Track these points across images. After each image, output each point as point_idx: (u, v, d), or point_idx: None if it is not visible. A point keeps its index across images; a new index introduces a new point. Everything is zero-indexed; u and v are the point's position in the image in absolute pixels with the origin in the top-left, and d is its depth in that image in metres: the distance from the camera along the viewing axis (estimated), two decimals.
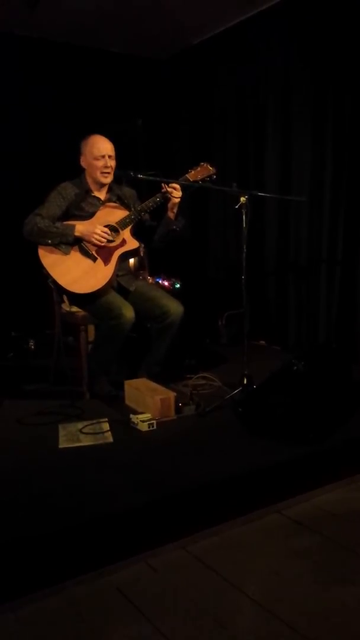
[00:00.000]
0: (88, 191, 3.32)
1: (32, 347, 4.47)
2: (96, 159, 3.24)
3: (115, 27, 4.56)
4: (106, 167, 3.25)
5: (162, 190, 3.18)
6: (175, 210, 3.26)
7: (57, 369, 3.56)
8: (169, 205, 3.24)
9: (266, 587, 1.88)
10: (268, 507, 2.35)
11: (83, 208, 3.28)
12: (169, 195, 3.19)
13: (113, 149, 3.28)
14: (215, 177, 3.24)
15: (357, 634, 1.66)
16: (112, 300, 3.18)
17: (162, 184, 3.18)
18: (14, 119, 4.57)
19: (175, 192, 3.18)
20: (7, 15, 4.18)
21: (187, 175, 3.22)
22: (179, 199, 3.22)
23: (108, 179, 3.30)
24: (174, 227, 3.31)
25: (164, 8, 4.27)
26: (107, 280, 3.17)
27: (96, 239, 3.16)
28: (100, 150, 3.24)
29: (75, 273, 3.17)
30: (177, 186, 3.19)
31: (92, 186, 3.34)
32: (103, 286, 3.16)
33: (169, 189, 3.17)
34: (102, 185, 3.33)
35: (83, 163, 3.32)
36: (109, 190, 3.39)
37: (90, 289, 3.15)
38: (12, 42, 4.55)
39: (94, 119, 4.46)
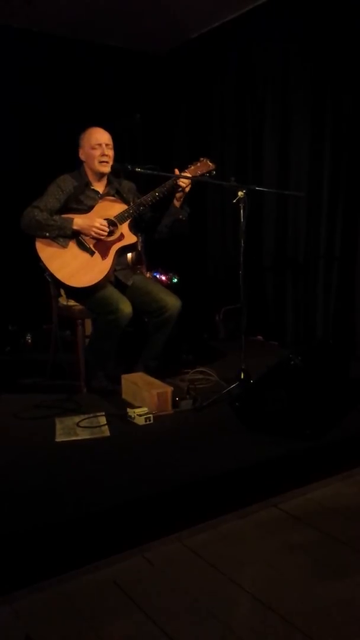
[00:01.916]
0: (87, 184, 3.32)
1: (30, 341, 4.47)
2: (93, 148, 3.24)
3: (113, 21, 4.53)
4: (103, 155, 3.25)
5: (169, 182, 3.18)
6: (181, 199, 3.29)
7: (54, 363, 3.55)
8: (177, 195, 3.26)
9: (262, 580, 1.88)
10: (265, 501, 2.35)
11: (82, 201, 3.27)
12: (179, 184, 3.19)
13: (110, 138, 3.29)
14: (214, 172, 3.25)
15: (353, 628, 1.67)
16: (110, 294, 3.17)
17: (175, 170, 3.20)
18: (11, 112, 4.54)
19: (186, 183, 3.21)
20: (4, 7, 4.15)
21: (186, 170, 3.22)
22: (188, 188, 3.24)
23: (106, 168, 3.29)
24: (181, 216, 3.33)
25: (162, 2, 4.25)
26: (104, 274, 3.17)
27: (95, 233, 3.15)
28: (97, 139, 3.24)
29: (73, 267, 3.16)
30: (187, 175, 3.21)
31: (91, 178, 3.33)
32: (100, 280, 3.16)
33: (179, 181, 3.19)
34: (101, 176, 3.33)
35: (82, 155, 3.31)
36: (108, 184, 3.39)
37: (88, 283, 3.14)
38: (9, 35, 4.53)
39: (92, 113, 4.45)
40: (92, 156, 3.26)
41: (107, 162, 3.27)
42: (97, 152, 3.24)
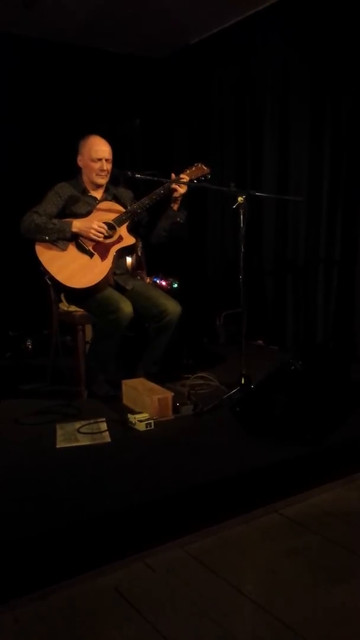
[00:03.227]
0: (84, 191, 3.35)
1: (30, 346, 4.47)
2: (93, 161, 3.28)
3: (113, 27, 4.55)
4: (102, 170, 3.30)
5: (167, 184, 3.21)
6: (178, 203, 3.33)
7: (55, 369, 3.55)
8: (174, 198, 3.30)
9: (264, 586, 1.87)
10: (266, 506, 2.35)
11: (79, 207, 3.30)
12: (176, 188, 3.24)
13: (111, 152, 3.32)
14: (209, 176, 3.30)
15: (354, 633, 1.66)
16: (110, 295, 3.19)
17: (172, 174, 3.24)
18: (11, 118, 4.56)
19: (182, 187, 3.25)
20: (4, 14, 4.17)
21: (182, 174, 3.26)
22: (185, 192, 3.28)
23: (103, 181, 3.35)
24: (178, 219, 3.35)
25: (162, 7, 4.27)
26: (104, 275, 3.19)
27: (93, 234, 3.17)
28: (97, 153, 3.26)
29: (72, 268, 3.18)
30: (184, 178, 3.25)
31: (89, 186, 3.37)
32: (100, 281, 3.18)
33: (174, 185, 3.22)
34: (98, 185, 3.36)
35: (80, 162, 3.34)
36: (105, 190, 3.43)
37: (87, 283, 3.16)
38: (9, 42, 4.54)
39: (92, 119, 4.47)
40: (91, 168, 3.29)
41: (105, 175, 3.32)
42: (97, 166, 3.28)
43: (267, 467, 2.45)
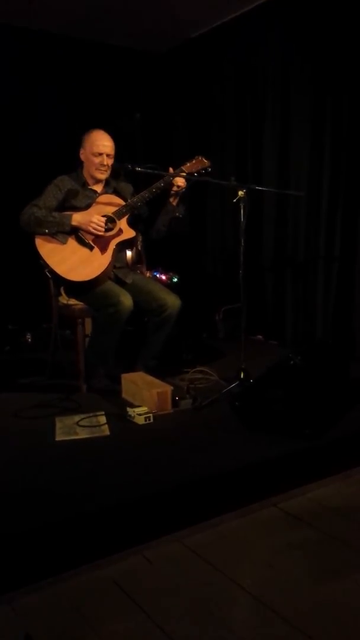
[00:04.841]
0: (85, 184, 3.34)
1: (29, 340, 4.47)
2: (94, 155, 3.27)
3: (113, 20, 4.53)
4: (102, 165, 3.29)
5: (167, 177, 3.20)
6: (177, 197, 3.32)
7: (54, 363, 3.55)
8: (173, 193, 3.28)
9: (261, 580, 1.88)
10: (264, 500, 2.35)
11: (79, 200, 3.29)
12: (175, 183, 3.23)
13: (113, 147, 3.32)
14: (209, 169, 3.28)
15: (351, 627, 1.67)
16: (110, 288, 3.20)
17: (169, 168, 3.23)
18: (10, 111, 4.54)
19: (180, 181, 3.24)
20: (4, 6, 4.15)
21: (182, 167, 3.25)
22: (184, 186, 3.27)
23: (103, 176, 3.34)
24: (177, 214, 3.34)
25: (162, 0, 4.25)
26: (104, 268, 3.19)
27: (93, 228, 3.17)
28: (99, 148, 3.26)
29: (72, 261, 3.18)
30: (183, 172, 3.24)
31: (89, 180, 3.36)
32: (100, 274, 3.18)
33: (174, 179, 3.21)
34: (98, 180, 3.35)
35: (82, 156, 3.33)
36: (106, 184, 3.42)
37: (87, 276, 3.16)
38: (9, 34, 4.52)
39: (92, 112, 4.45)
40: (92, 162, 3.29)
41: (105, 170, 3.32)
42: (97, 160, 3.28)
43: (265, 461, 2.45)
